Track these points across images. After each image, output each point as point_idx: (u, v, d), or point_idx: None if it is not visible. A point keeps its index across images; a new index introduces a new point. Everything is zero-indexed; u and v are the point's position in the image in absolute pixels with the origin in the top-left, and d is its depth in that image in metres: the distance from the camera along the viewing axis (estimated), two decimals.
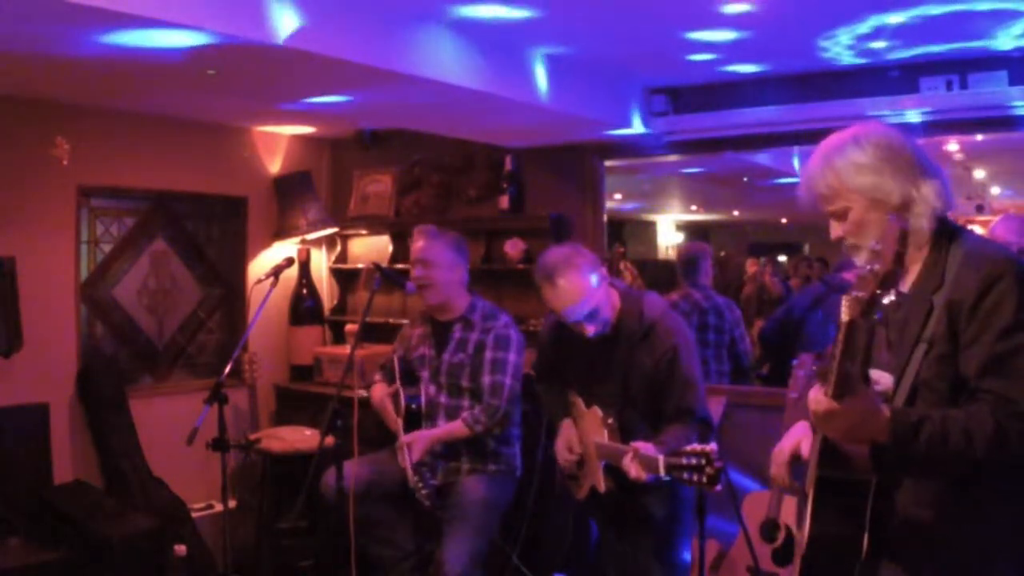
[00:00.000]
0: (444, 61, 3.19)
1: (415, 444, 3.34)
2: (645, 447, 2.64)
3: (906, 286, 1.80)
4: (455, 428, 3.41)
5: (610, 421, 2.83)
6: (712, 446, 2.40)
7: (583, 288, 2.79)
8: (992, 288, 1.63)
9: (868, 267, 1.55)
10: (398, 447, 3.39)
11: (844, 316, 1.48)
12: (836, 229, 1.84)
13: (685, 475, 2.41)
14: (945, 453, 1.58)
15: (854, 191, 1.78)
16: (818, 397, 1.57)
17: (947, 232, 1.76)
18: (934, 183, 1.76)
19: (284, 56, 2.80)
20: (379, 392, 3.64)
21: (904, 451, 1.59)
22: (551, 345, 3.17)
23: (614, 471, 2.83)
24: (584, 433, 3.01)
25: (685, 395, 2.85)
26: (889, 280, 1.50)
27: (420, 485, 3.22)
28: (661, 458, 2.50)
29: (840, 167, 1.78)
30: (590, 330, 2.86)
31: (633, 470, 2.64)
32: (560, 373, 3.16)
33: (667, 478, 2.52)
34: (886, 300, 1.49)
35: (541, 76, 3.61)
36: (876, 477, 1.72)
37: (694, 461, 2.39)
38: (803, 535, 1.86)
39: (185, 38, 2.61)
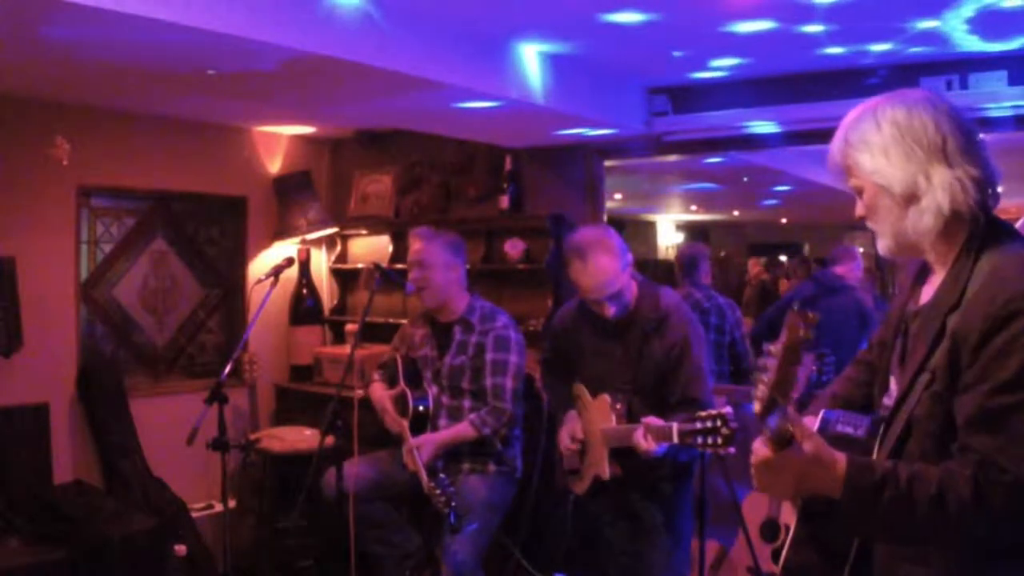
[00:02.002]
0: (445, 61, 3.19)
1: (424, 447, 3.33)
2: (657, 420, 2.67)
3: (928, 294, 1.58)
4: (462, 430, 3.41)
5: (619, 406, 2.86)
6: (727, 409, 2.40)
7: (612, 269, 2.87)
8: (1003, 328, 1.36)
9: (760, 371, 1.40)
10: (407, 450, 3.37)
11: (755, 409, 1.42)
12: (858, 207, 1.61)
13: (699, 439, 2.42)
14: (911, 519, 1.39)
15: (861, 171, 1.55)
16: (756, 447, 1.47)
17: (984, 236, 1.49)
18: (949, 172, 1.47)
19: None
20: (379, 391, 3.63)
21: (859, 513, 1.42)
22: (565, 333, 3.20)
23: (620, 456, 2.85)
24: (589, 423, 3.02)
25: (691, 384, 2.87)
26: (769, 405, 1.36)
27: (437, 492, 3.13)
28: (675, 425, 2.54)
29: (852, 141, 1.55)
30: (611, 310, 2.92)
31: (644, 443, 2.66)
32: (569, 363, 3.17)
33: (677, 448, 2.58)
34: (771, 424, 1.38)
35: (541, 76, 3.60)
36: (821, 518, 1.58)
37: (708, 424, 2.40)
38: (780, 561, 1.76)
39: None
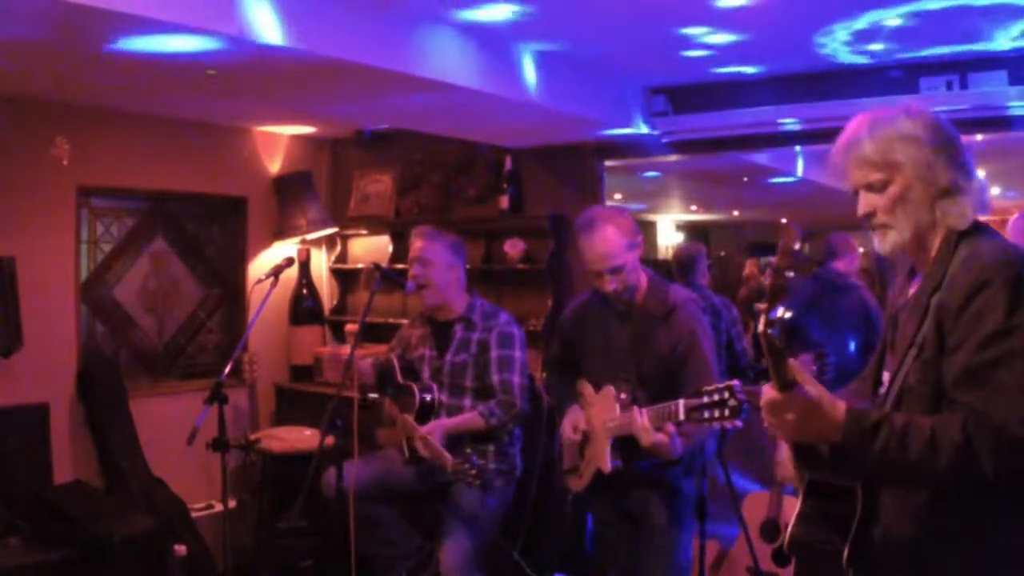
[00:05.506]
0: (445, 61, 3.19)
1: (435, 433, 3.31)
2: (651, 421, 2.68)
3: (915, 286, 1.72)
4: (471, 419, 3.40)
5: (623, 396, 2.86)
6: (735, 381, 2.37)
7: (617, 243, 2.88)
8: (979, 293, 1.52)
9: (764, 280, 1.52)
10: (418, 439, 3.35)
11: (758, 327, 1.50)
12: (865, 204, 1.69)
13: (706, 414, 2.37)
14: (904, 461, 1.48)
15: (902, 163, 1.64)
16: (765, 389, 1.56)
17: (962, 231, 1.64)
18: (977, 182, 1.66)
19: (285, 57, 2.80)
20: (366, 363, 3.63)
21: (857, 454, 1.51)
22: (573, 323, 3.21)
23: (622, 447, 2.85)
24: (592, 419, 3.02)
25: (700, 380, 2.86)
26: (774, 297, 1.47)
27: (466, 466, 3.08)
28: (681, 401, 2.52)
29: (891, 135, 1.65)
30: (611, 285, 2.92)
31: (639, 418, 2.68)
32: (576, 357, 3.18)
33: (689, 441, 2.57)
34: (775, 315, 1.45)
35: (541, 76, 3.60)
36: (838, 479, 1.66)
37: (716, 397, 2.35)
38: (785, 536, 1.83)
39: (192, 42, 2.63)
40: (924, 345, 1.59)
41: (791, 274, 1.48)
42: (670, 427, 2.66)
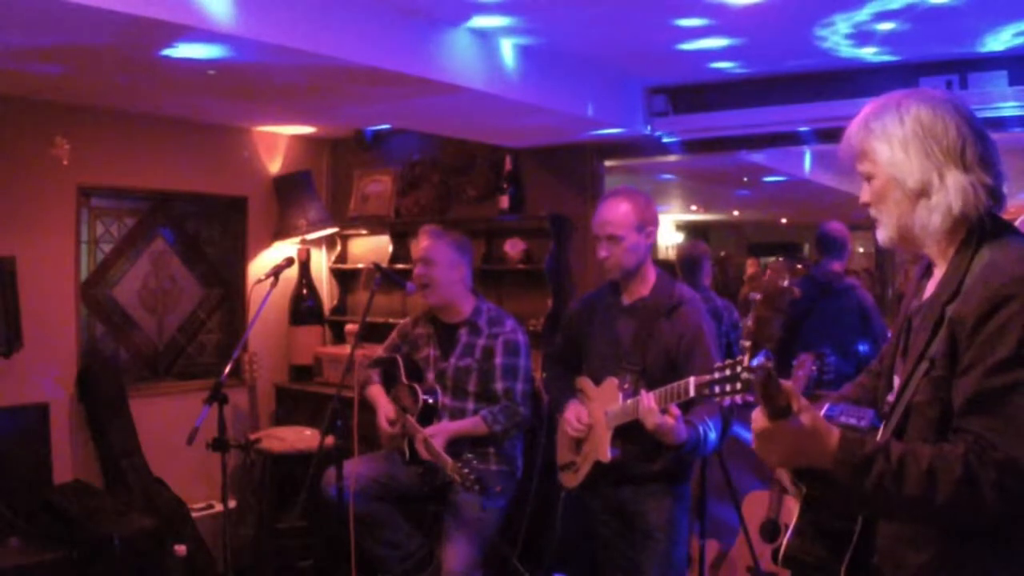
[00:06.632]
0: (446, 63, 3.19)
1: (438, 436, 3.32)
2: (655, 407, 2.68)
3: (931, 290, 1.62)
4: (474, 424, 3.41)
5: (627, 386, 2.87)
6: (746, 356, 2.36)
7: (624, 216, 2.97)
8: (997, 310, 1.40)
9: (746, 321, 1.44)
10: (420, 440, 3.35)
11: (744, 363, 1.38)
12: (864, 193, 1.66)
13: (717, 388, 2.34)
14: (899, 496, 1.38)
15: (877, 160, 1.59)
16: (755, 416, 1.48)
17: (984, 233, 1.53)
18: (964, 177, 1.51)
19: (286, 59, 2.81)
20: (382, 396, 3.60)
21: (849, 486, 1.41)
22: (578, 316, 3.23)
23: (622, 436, 2.85)
24: (592, 412, 3.02)
25: (704, 372, 2.85)
26: (753, 349, 1.39)
27: (466, 471, 3.09)
28: (691, 378, 2.53)
29: (873, 129, 1.60)
30: (602, 252, 2.99)
31: (646, 400, 2.69)
32: (578, 351, 3.18)
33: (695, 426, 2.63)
34: (757, 363, 1.38)
35: (541, 76, 3.60)
36: (822, 505, 1.60)
37: (728, 372, 2.32)
38: (781, 550, 1.77)
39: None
40: (935, 360, 1.49)
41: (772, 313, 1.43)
42: (675, 410, 2.66)
